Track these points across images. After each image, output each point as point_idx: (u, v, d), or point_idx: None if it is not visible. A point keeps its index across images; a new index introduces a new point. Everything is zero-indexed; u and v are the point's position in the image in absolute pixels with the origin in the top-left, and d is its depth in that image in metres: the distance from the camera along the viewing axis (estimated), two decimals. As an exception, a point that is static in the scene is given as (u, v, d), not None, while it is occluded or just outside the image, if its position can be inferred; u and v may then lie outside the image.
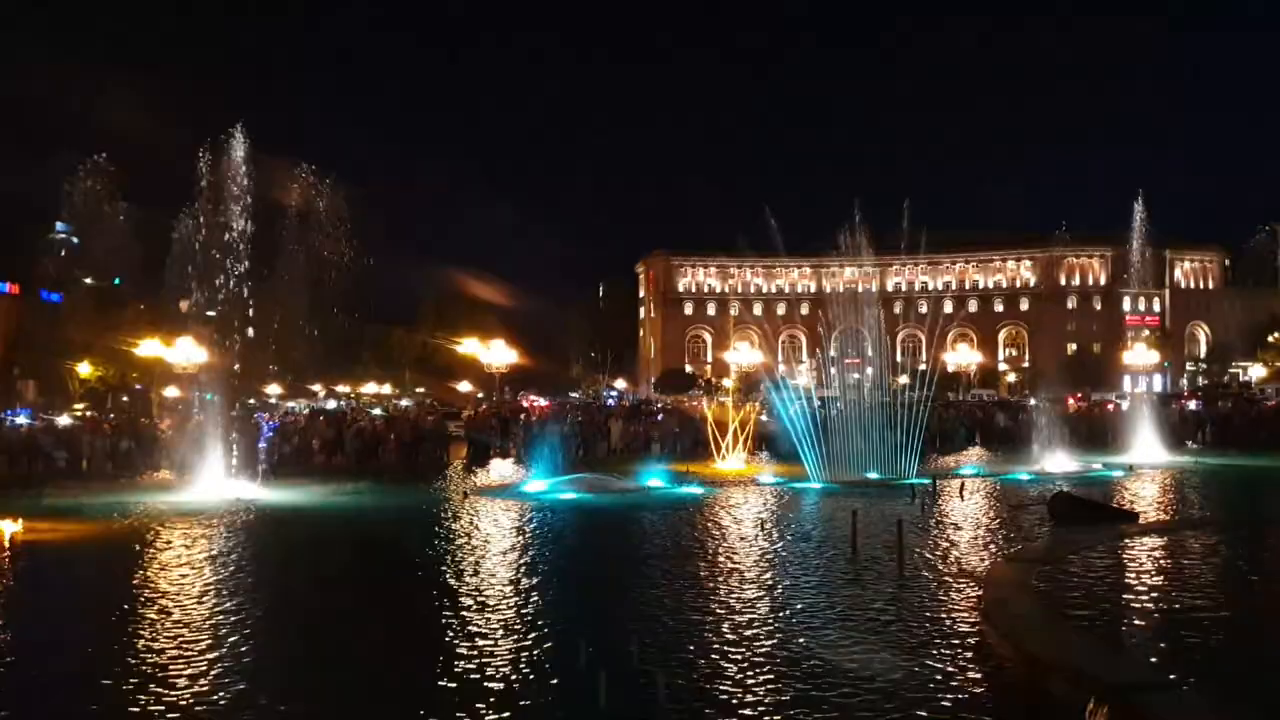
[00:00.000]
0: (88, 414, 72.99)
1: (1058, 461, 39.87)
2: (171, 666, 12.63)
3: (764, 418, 45.59)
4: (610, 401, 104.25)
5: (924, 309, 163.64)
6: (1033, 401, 44.29)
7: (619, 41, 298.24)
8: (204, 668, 12.57)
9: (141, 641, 13.95)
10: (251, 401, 37.03)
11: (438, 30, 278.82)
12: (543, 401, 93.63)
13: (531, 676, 12.13)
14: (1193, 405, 64.22)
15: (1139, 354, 53.53)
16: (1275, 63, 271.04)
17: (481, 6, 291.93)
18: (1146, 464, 41.92)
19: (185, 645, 13.68)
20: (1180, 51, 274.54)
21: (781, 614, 15.24)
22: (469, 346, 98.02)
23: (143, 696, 11.44)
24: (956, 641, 13.24)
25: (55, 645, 14.34)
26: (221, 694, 11.56)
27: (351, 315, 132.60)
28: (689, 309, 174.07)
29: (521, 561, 20.84)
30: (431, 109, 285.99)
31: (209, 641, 13.94)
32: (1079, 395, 66.67)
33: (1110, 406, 60.99)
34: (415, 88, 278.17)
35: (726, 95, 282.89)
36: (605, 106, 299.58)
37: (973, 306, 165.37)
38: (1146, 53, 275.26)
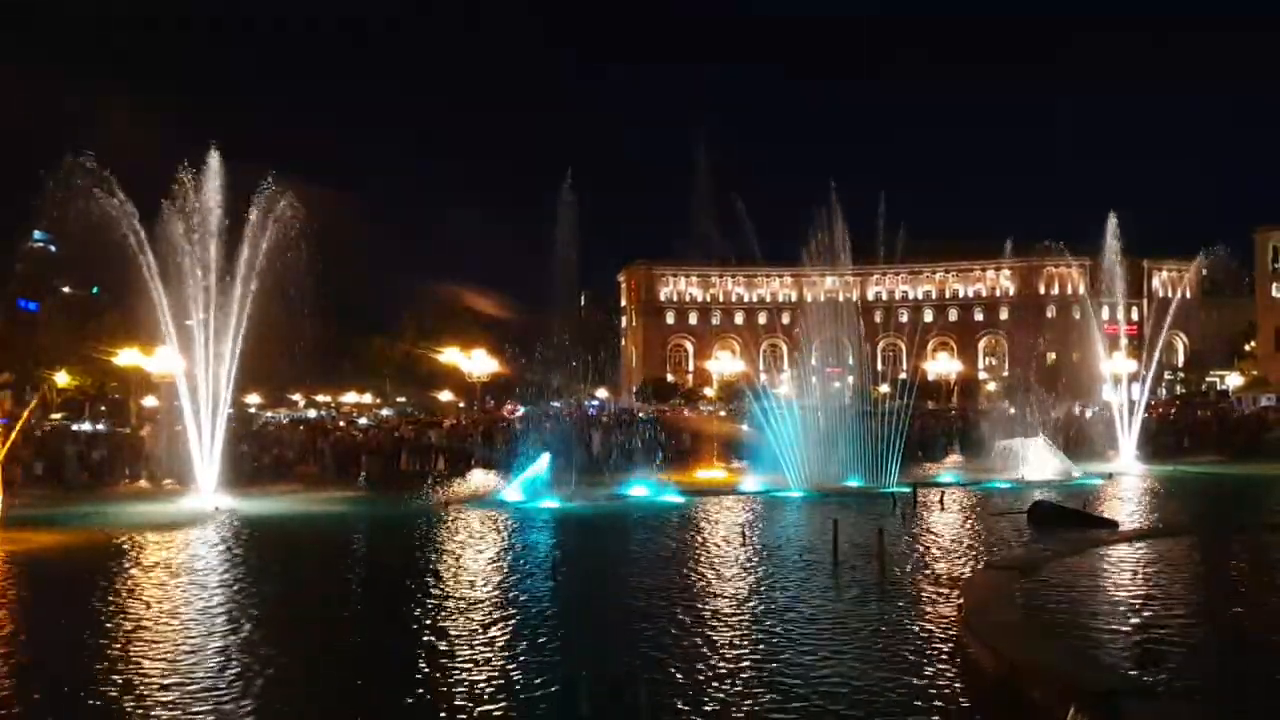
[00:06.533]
0: (62, 422, 72.52)
1: (1037, 469, 40.03)
2: (154, 681, 12.48)
3: (745, 426, 45.62)
4: (592, 411, 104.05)
5: (904, 318, 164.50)
6: (1011, 410, 44.54)
7: (606, 46, 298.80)
8: (188, 683, 12.41)
9: (123, 655, 13.79)
10: (231, 411, 36.74)
11: (422, 35, 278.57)
12: (521, 410, 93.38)
13: (512, 690, 12.05)
14: (1158, 413, 64.63)
15: (1117, 363, 53.78)
16: (1258, 72, 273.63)
17: (463, 12, 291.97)
18: (1125, 472, 42.19)
19: (167, 659, 13.55)
20: (1165, 61, 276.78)
21: (761, 624, 15.21)
22: (450, 356, 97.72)
23: (126, 711, 11.32)
24: (937, 650, 13.24)
25: (37, 661, 14.16)
26: (205, 711, 11.43)
27: (332, 324, 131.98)
28: (670, 318, 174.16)
29: (500, 573, 20.75)
30: (412, 118, 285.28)
31: (190, 656, 13.80)
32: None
33: (1087, 416, 61.33)
34: (399, 95, 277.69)
35: (713, 103, 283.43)
36: (591, 112, 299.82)
37: (952, 315, 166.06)
38: (1132, 60, 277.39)
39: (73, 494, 36.51)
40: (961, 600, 15.36)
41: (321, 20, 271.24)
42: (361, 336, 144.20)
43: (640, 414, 79.30)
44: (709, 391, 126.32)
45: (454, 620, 15.66)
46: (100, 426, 67.40)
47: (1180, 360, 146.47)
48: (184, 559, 22.78)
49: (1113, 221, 52.12)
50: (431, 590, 18.40)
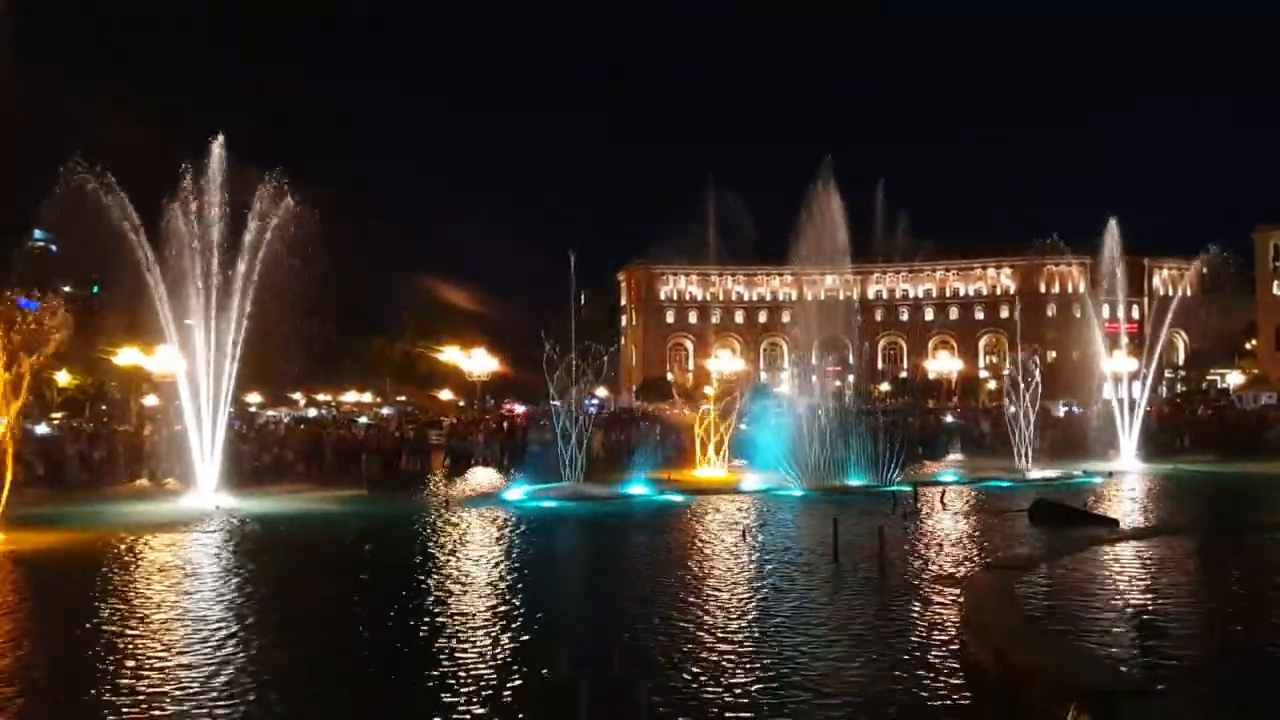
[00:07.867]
0: (64, 422, 72.33)
1: (1038, 468, 40.00)
2: (154, 681, 12.48)
3: (744, 425, 45.57)
4: (591, 410, 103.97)
5: (905, 316, 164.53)
6: (1012, 409, 44.51)
7: (601, 49, 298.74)
8: (187, 683, 12.40)
9: (122, 656, 13.79)
10: (231, 410, 36.79)
11: (418, 38, 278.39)
12: (520, 409, 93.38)
13: (512, 689, 12.05)
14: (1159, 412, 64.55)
15: (1118, 361, 53.75)
16: (1258, 70, 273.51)
17: (460, 14, 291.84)
18: (1126, 470, 42.15)
19: (167, 659, 13.55)
20: (1164, 61, 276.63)
21: (763, 623, 15.21)
22: (450, 355, 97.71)
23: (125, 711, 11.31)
24: (937, 650, 13.23)
25: (37, 661, 14.15)
26: (204, 711, 11.40)
27: (332, 324, 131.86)
28: (670, 317, 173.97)
29: (500, 572, 20.75)
30: (412, 118, 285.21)
31: (189, 656, 13.80)
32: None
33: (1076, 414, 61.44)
34: (396, 98, 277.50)
35: (711, 103, 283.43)
36: (591, 112, 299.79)
37: (953, 314, 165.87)
38: (1131, 60, 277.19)
39: (73, 494, 36.49)
40: (961, 600, 15.35)
41: (322, 20, 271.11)
42: (361, 336, 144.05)
43: (641, 412, 79.25)
44: (709, 390, 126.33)
45: (454, 620, 15.65)
46: (91, 426, 67.03)
47: (1181, 359, 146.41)
48: (184, 559, 22.76)
49: (1113, 221, 52.22)
50: (431, 590, 18.41)
